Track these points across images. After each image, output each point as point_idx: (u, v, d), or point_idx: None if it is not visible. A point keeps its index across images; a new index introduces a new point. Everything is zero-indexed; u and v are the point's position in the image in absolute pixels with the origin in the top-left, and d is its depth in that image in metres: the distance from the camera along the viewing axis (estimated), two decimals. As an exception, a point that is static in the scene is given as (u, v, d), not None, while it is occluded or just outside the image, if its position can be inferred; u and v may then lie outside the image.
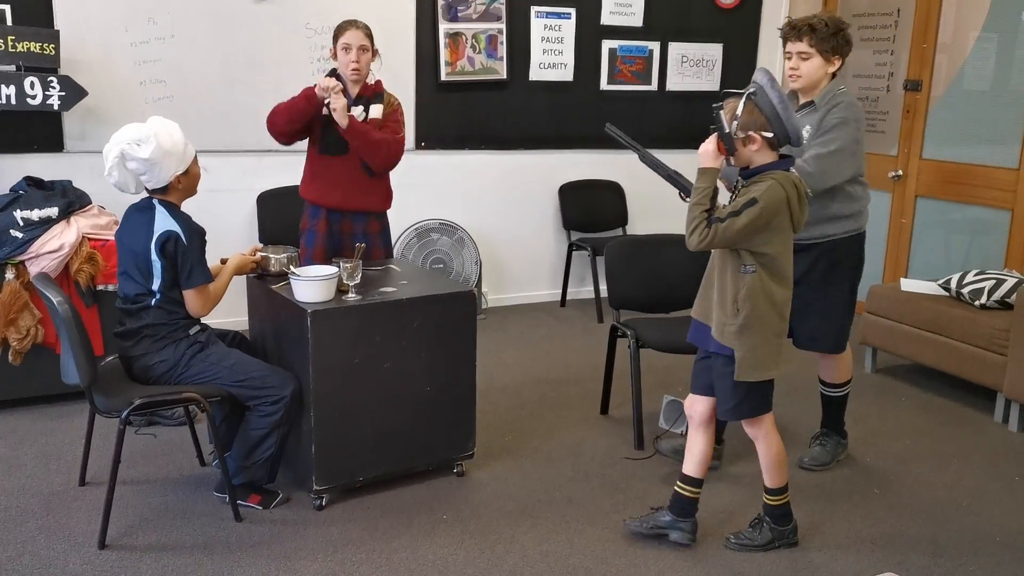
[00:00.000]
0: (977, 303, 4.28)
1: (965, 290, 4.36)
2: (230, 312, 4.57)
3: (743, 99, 2.58)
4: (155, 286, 2.95)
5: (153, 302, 2.96)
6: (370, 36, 3.65)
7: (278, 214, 4.96)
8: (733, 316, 2.70)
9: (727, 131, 2.59)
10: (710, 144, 2.66)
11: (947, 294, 4.49)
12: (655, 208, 6.22)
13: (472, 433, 3.38)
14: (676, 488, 2.95)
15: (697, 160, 2.68)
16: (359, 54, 3.58)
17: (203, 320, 3.12)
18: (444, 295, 3.24)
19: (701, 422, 2.94)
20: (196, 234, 2.99)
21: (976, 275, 4.41)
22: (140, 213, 3.00)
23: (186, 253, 2.94)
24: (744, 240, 2.62)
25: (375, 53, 3.68)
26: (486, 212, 5.77)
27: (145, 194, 3.04)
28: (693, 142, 6.24)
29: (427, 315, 3.16)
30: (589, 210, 6.02)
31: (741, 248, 2.65)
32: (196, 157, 3.06)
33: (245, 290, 3.46)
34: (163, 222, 2.94)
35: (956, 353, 4.25)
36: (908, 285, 4.65)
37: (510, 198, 5.84)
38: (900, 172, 5.58)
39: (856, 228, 3.49)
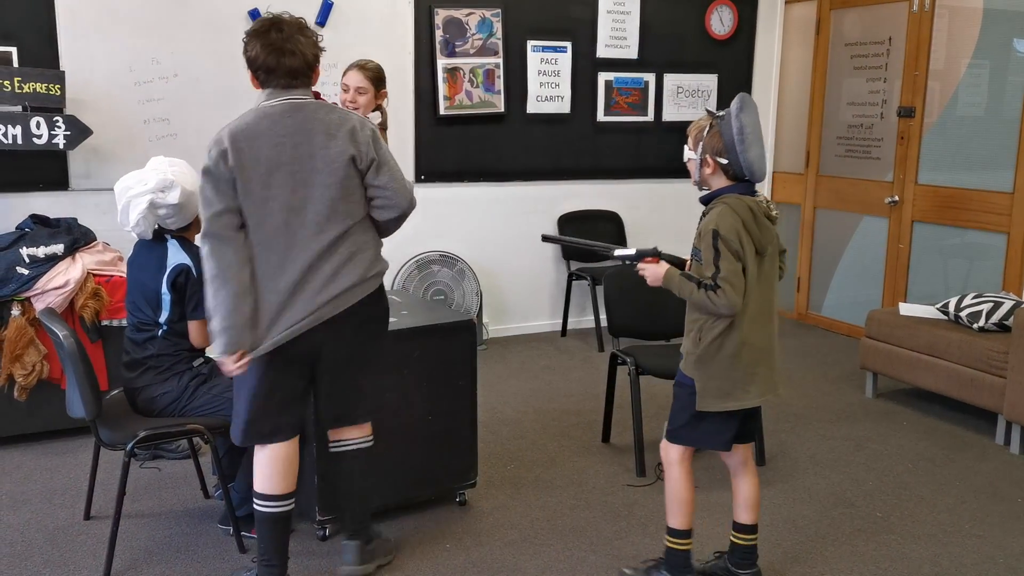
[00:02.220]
0: (976, 326, 4.31)
1: (963, 313, 4.39)
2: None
3: (710, 123, 2.64)
4: (162, 318, 2.99)
5: (159, 333, 3.01)
6: (373, 79, 3.77)
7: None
8: (695, 345, 2.67)
9: (694, 156, 2.66)
10: (658, 272, 2.74)
11: (945, 318, 4.52)
12: (653, 237, 6.28)
13: (474, 462, 3.39)
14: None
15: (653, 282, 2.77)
16: (355, 95, 3.72)
17: (207, 352, 3.16)
18: (445, 325, 3.28)
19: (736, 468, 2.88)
20: None
21: (974, 298, 4.44)
22: (150, 249, 3.05)
23: (195, 285, 2.98)
24: (740, 274, 2.56)
25: (382, 95, 3.79)
26: (486, 244, 5.82)
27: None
28: (689, 173, 6.36)
29: (428, 345, 3.19)
30: (588, 240, 6.05)
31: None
32: None
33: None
34: (176, 256, 3.00)
35: (956, 376, 4.27)
36: (906, 309, 4.68)
37: (510, 229, 5.89)
38: (896, 198, 5.63)
39: None
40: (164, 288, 2.97)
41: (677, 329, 4.05)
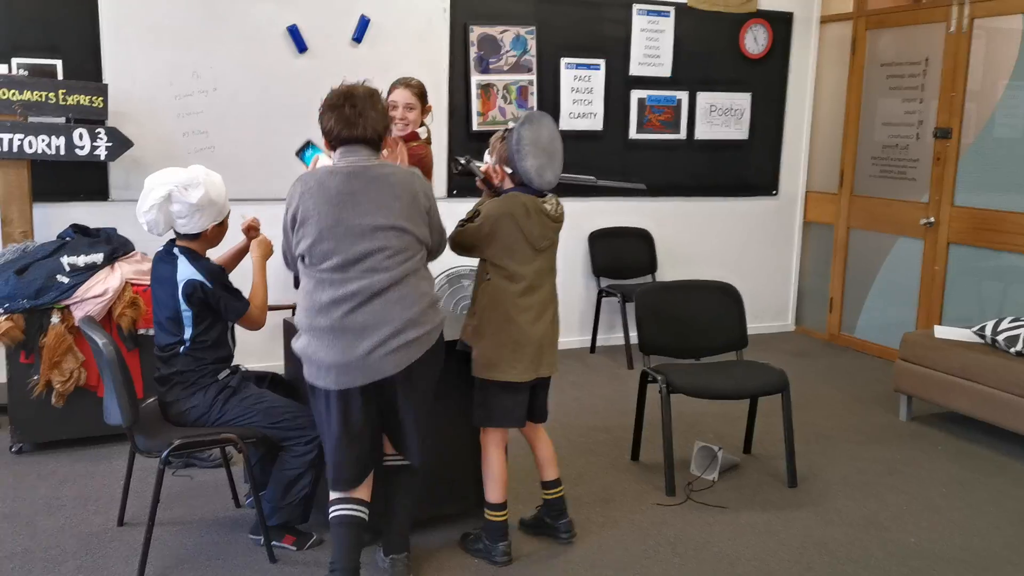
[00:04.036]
0: (1013, 350, 4.25)
1: (1000, 337, 4.33)
2: (266, 356, 4.69)
3: (502, 134, 3.01)
4: (186, 335, 3.03)
5: (182, 350, 3.04)
6: (419, 95, 3.81)
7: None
8: (471, 317, 3.06)
9: (461, 163, 3.14)
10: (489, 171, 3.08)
11: (982, 341, 4.46)
12: (684, 255, 6.27)
13: (503, 477, 3.39)
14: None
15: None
16: (404, 111, 3.75)
17: (236, 362, 3.21)
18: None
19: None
20: (218, 275, 3.06)
21: (1011, 322, 4.38)
22: (164, 264, 3.08)
23: (215, 295, 3.02)
24: (474, 245, 2.98)
25: (427, 109, 3.84)
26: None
27: (165, 237, 3.13)
28: (722, 190, 6.38)
29: (459, 359, 3.20)
30: (618, 257, 6.07)
31: (482, 256, 3.01)
32: (230, 212, 3.18)
33: (282, 335, 3.54)
34: (184, 271, 3.02)
35: (991, 400, 4.21)
36: (942, 332, 4.63)
37: (541, 245, 5.90)
38: (932, 219, 5.58)
39: None
40: (182, 305, 3.01)
41: (707, 348, 4.07)
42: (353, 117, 2.68)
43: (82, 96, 4.38)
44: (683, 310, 4.07)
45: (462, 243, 3.03)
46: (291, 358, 3.52)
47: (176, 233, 3.11)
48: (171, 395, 3.04)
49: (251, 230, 3.34)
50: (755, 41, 6.24)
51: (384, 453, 2.92)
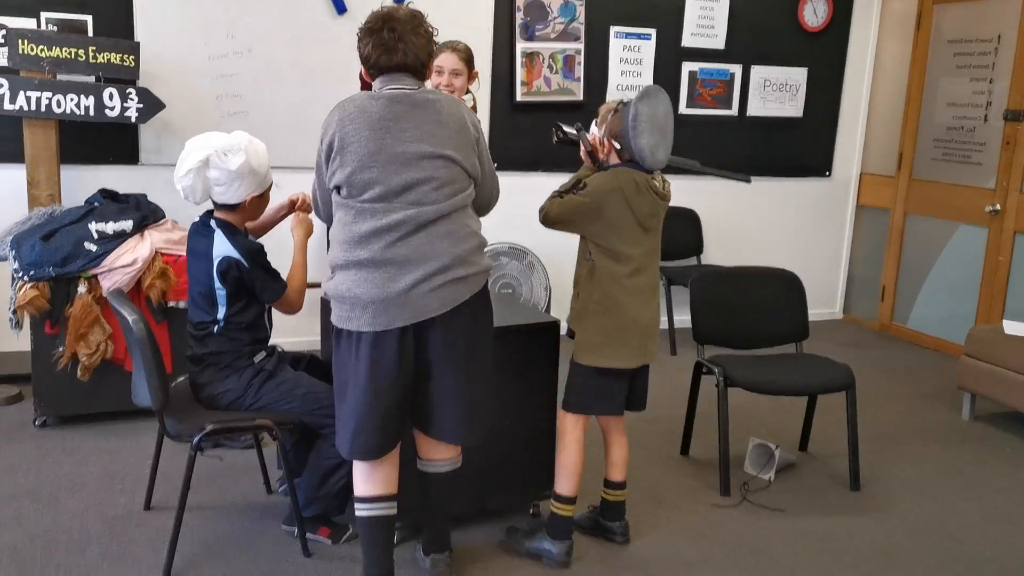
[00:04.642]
0: (1089, 350, 3.99)
1: (1076, 336, 4.07)
2: (300, 332, 4.51)
3: (616, 107, 2.81)
4: (219, 315, 2.83)
5: (216, 329, 2.84)
6: (466, 59, 3.59)
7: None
8: (574, 299, 2.89)
9: (573, 134, 2.91)
10: (595, 143, 2.87)
11: (1054, 339, 4.20)
12: (731, 237, 6.01)
13: (551, 473, 3.18)
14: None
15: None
16: (451, 78, 3.52)
17: (273, 342, 3.02)
18: (526, 326, 3.08)
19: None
20: (255, 253, 2.84)
21: (1087, 320, 4.11)
22: (200, 237, 2.87)
23: (251, 274, 2.81)
24: (575, 220, 2.80)
25: (473, 76, 3.61)
26: (556, 236, 5.52)
27: (202, 207, 2.92)
28: (774, 170, 6.09)
29: (507, 347, 2.98)
30: (663, 237, 5.79)
31: (582, 233, 2.84)
32: (272, 185, 2.96)
33: (319, 313, 3.34)
34: (221, 247, 2.80)
35: (1066, 403, 3.95)
36: (1011, 328, 4.36)
37: (583, 222, 5.66)
38: (998, 207, 5.28)
39: None
40: (216, 283, 2.80)
41: (763, 338, 3.84)
42: (392, 42, 2.41)
43: (113, 54, 4.17)
44: (741, 298, 3.83)
45: (561, 216, 2.80)
46: (328, 337, 3.34)
47: (214, 203, 2.89)
48: (204, 376, 2.86)
49: (299, 204, 3.13)
50: (814, 13, 5.93)
51: (420, 456, 2.69)
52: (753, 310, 3.83)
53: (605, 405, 2.92)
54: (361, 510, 2.55)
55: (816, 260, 6.33)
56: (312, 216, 3.02)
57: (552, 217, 2.83)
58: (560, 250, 5.59)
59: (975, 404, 4.48)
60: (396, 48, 2.41)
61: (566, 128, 2.95)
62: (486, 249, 2.58)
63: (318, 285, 3.50)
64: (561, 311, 5.88)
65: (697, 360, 3.70)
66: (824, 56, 6.03)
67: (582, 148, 2.91)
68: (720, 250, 5.93)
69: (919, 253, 5.90)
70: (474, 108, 3.76)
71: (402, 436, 2.59)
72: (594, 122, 2.89)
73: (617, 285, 2.79)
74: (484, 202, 2.63)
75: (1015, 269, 5.23)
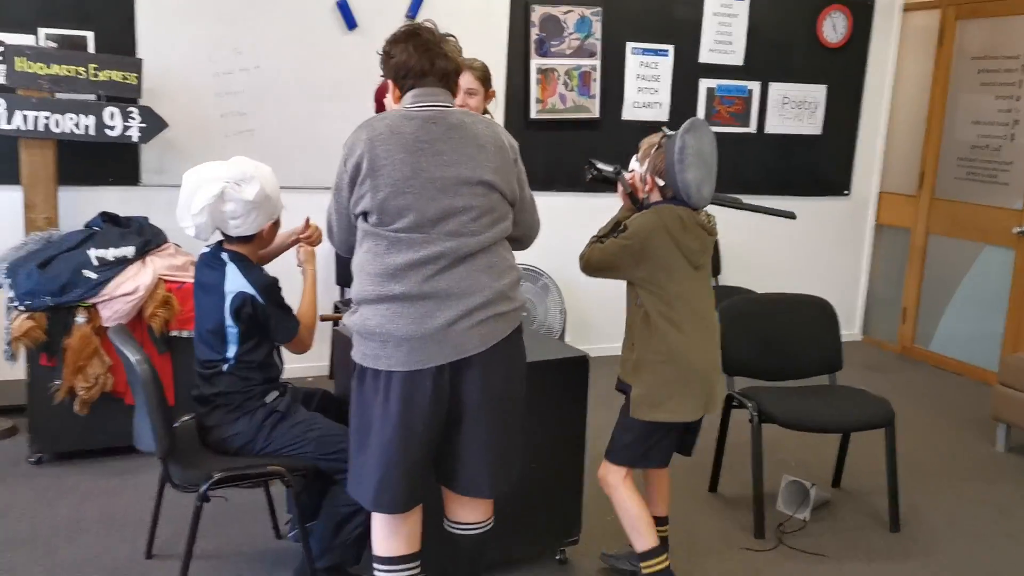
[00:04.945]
0: None
1: (1118, 365, 3.90)
2: (304, 357, 4.32)
3: (660, 141, 2.64)
4: (229, 353, 2.65)
5: (226, 368, 2.66)
6: (482, 78, 3.45)
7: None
8: (628, 351, 2.70)
9: (609, 172, 2.76)
10: (628, 184, 2.73)
11: (1095, 368, 4.03)
12: (748, 257, 5.84)
13: (578, 517, 3.02)
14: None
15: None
16: (465, 97, 3.37)
17: (284, 379, 2.83)
18: (554, 362, 2.90)
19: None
20: (272, 289, 2.68)
21: None
22: (211, 270, 2.69)
23: (265, 312, 2.63)
24: (619, 265, 2.64)
25: (490, 95, 3.46)
26: (572, 258, 5.37)
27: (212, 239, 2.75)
28: (792, 188, 5.93)
29: (535, 384, 2.79)
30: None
31: (627, 278, 2.67)
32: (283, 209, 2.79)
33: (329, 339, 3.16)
34: (234, 281, 2.62)
35: (1110, 437, 3.78)
36: (1049, 356, 4.19)
37: (597, 243, 5.50)
38: (1026, 228, 5.12)
39: None
40: (228, 320, 2.62)
41: (802, 368, 3.66)
42: (432, 44, 2.27)
43: (115, 72, 4.00)
44: (772, 327, 3.65)
45: (603, 262, 2.65)
46: (343, 374, 3.17)
47: (225, 236, 2.71)
48: (212, 419, 2.67)
49: (309, 236, 2.95)
50: (834, 29, 5.78)
51: (448, 518, 2.48)
52: (785, 339, 3.65)
53: (656, 458, 2.76)
54: (382, 572, 2.35)
55: (835, 280, 6.15)
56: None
57: (594, 264, 2.67)
58: (576, 272, 5.43)
59: (1010, 435, 4.30)
60: (436, 51, 2.27)
61: (600, 166, 2.78)
62: None
63: (331, 319, 3.34)
64: (576, 336, 5.73)
65: (728, 392, 3.52)
66: (843, 73, 5.88)
67: (620, 188, 2.74)
68: (739, 271, 5.76)
69: (942, 274, 5.74)
70: None
71: (426, 493, 2.39)
72: (634, 158, 2.72)
73: (674, 331, 2.61)
74: (524, 233, 2.44)
75: (1045, 292, 5.07)
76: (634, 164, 2.71)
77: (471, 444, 2.30)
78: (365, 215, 2.25)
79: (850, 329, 6.34)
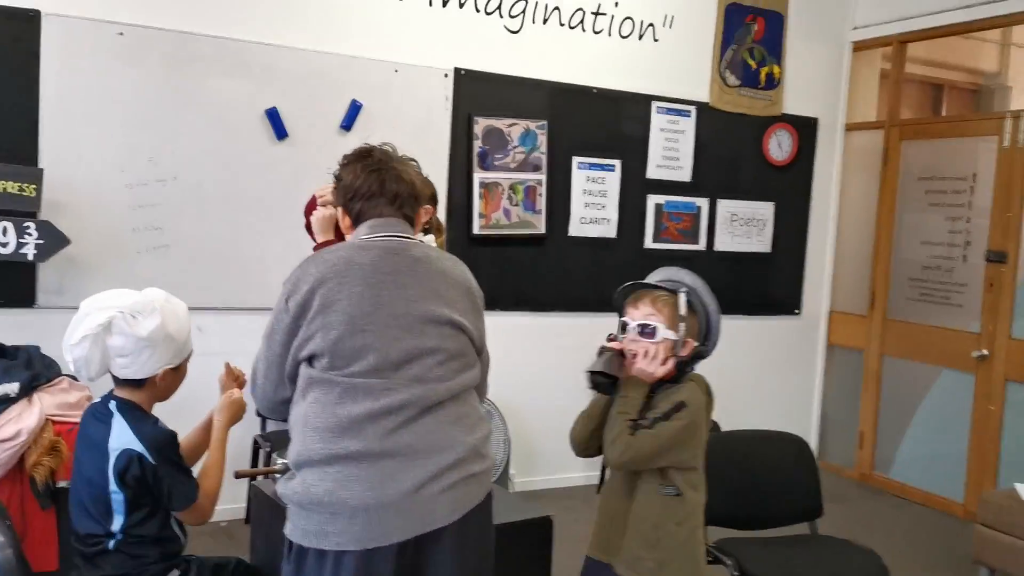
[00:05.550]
0: (1124, 522, 3.56)
1: (1105, 504, 3.65)
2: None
3: (681, 299, 2.27)
4: (115, 526, 2.17)
5: (112, 544, 2.18)
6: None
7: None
8: (650, 548, 2.22)
9: (676, 338, 2.26)
10: (658, 356, 2.24)
11: (1079, 506, 3.78)
12: (708, 379, 5.56)
13: None
14: None
15: (636, 371, 2.24)
16: None
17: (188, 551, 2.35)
18: (518, 524, 2.50)
19: None
20: (165, 446, 2.22)
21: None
22: (97, 423, 2.23)
23: (156, 475, 2.16)
24: (670, 453, 2.23)
25: (425, 211, 3.15)
26: (516, 381, 5.04)
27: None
28: (742, 307, 5.71)
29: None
30: (631, 382, 5.33)
31: (666, 464, 2.24)
32: (191, 354, 2.35)
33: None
34: (120, 437, 2.17)
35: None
36: (1029, 493, 3.94)
37: (544, 365, 5.15)
38: (985, 352, 4.96)
39: None
40: (112, 485, 2.15)
41: (779, 516, 3.31)
42: (385, 163, 2.07)
43: (10, 183, 3.58)
44: (746, 470, 3.32)
45: (658, 451, 2.20)
46: (260, 532, 2.69)
47: (114, 378, 2.26)
48: (100, 610, 2.16)
49: (236, 381, 2.50)
50: (779, 147, 5.70)
51: None
52: (759, 483, 3.32)
53: None
54: None
55: (786, 402, 5.91)
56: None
57: (646, 455, 2.21)
58: (521, 398, 5.06)
59: (995, 580, 4.00)
60: (387, 172, 2.05)
61: (603, 369, 2.23)
62: None
63: (249, 475, 2.85)
64: (520, 467, 5.32)
65: (705, 546, 3.12)
66: (791, 190, 5.79)
67: (631, 366, 2.25)
68: (690, 395, 5.46)
69: (899, 398, 5.53)
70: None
71: None
72: (657, 326, 2.25)
73: (701, 518, 2.32)
74: (483, 385, 2.14)
75: (1008, 419, 4.88)
76: (665, 333, 2.25)
77: None
78: (312, 359, 1.90)
79: (805, 454, 6.06)
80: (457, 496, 1.87)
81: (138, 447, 2.14)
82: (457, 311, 1.99)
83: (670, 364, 2.26)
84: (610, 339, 2.29)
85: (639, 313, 2.29)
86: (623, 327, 2.31)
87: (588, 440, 2.35)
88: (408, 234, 2.05)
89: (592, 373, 2.22)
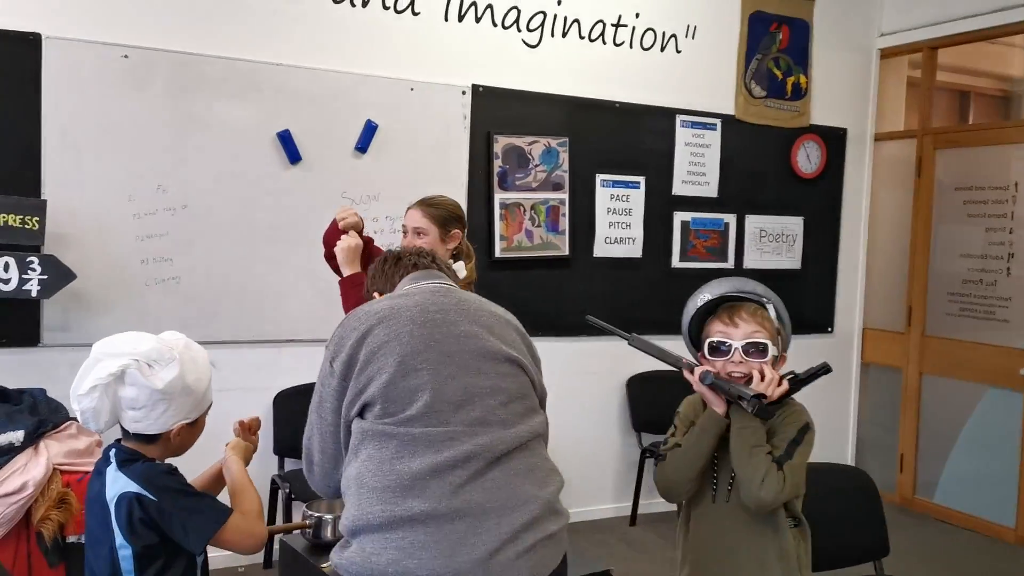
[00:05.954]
0: None
1: None
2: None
3: (771, 311, 2.15)
4: None
5: None
6: (435, 216, 2.99)
7: (299, 418, 4.00)
8: None
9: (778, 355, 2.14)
10: (775, 376, 2.05)
11: None
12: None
13: None
14: None
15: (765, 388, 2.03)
16: (413, 237, 2.92)
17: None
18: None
19: None
20: (159, 477, 1.94)
21: None
22: (97, 476, 1.98)
23: (162, 512, 1.89)
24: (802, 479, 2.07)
25: (452, 236, 2.99)
26: (543, 410, 4.85)
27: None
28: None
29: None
30: (662, 407, 5.01)
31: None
32: (210, 407, 2.12)
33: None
34: (115, 485, 1.91)
35: None
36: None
37: (569, 393, 4.91)
38: (1034, 369, 4.74)
39: None
40: (119, 539, 1.89)
41: (844, 555, 3.07)
42: (422, 250, 2.14)
43: (12, 216, 3.38)
44: (808, 507, 3.08)
45: (800, 483, 2.09)
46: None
47: (123, 431, 2.03)
48: None
49: (250, 431, 2.27)
50: (808, 159, 5.50)
51: None
52: (822, 522, 3.08)
53: None
54: None
55: (821, 423, 5.59)
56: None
57: (798, 486, 2.07)
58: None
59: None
60: (427, 254, 2.10)
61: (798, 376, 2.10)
62: None
63: (285, 530, 2.62)
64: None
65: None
66: (820, 204, 5.58)
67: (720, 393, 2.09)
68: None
69: (941, 418, 5.30)
70: (468, 280, 3.08)
71: None
72: (767, 343, 2.09)
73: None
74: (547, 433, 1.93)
75: (1061, 439, 4.65)
76: (773, 349, 2.10)
77: None
78: (364, 410, 1.73)
79: (841, 477, 5.82)
80: (534, 561, 1.67)
81: (133, 487, 1.89)
82: (513, 348, 1.85)
83: (785, 384, 2.06)
84: (686, 364, 2.08)
85: (740, 331, 2.08)
86: (715, 347, 2.09)
87: (694, 482, 2.13)
88: (450, 283, 1.97)
89: (758, 397, 1.99)
